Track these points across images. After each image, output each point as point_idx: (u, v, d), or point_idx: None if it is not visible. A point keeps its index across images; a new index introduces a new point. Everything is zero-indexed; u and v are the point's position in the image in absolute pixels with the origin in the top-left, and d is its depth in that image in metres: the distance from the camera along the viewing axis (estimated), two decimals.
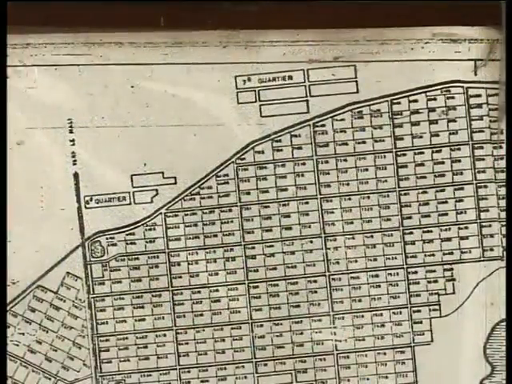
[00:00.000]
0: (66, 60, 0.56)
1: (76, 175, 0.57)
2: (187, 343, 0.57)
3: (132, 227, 0.57)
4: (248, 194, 0.57)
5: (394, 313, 0.57)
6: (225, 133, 0.56)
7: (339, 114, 0.57)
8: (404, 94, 0.57)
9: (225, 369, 0.57)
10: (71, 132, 0.56)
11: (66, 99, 0.56)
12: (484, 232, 0.57)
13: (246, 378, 0.57)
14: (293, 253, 0.57)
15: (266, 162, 0.57)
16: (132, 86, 0.56)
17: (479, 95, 0.57)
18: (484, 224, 0.57)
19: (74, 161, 0.57)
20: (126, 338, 0.57)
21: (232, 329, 0.57)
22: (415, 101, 0.57)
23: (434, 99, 0.57)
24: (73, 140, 0.57)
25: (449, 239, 0.57)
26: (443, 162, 0.57)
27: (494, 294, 0.57)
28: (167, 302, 0.57)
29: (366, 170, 0.57)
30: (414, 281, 0.57)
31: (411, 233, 0.57)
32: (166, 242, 0.57)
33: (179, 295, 0.57)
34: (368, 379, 0.57)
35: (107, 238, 0.57)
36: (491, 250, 0.57)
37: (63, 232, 0.57)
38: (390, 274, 0.57)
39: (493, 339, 0.57)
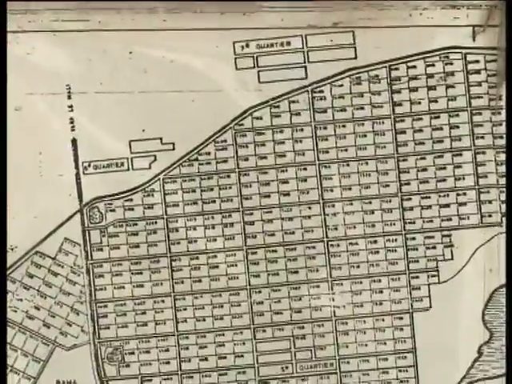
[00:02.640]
0: (64, 26, 0.56)
1: (74, 141, 0.57)
2: (185, 309, 0.57)
3: (130, 193, 0.57)
4: (246, 159, 0.57)
5: (392, 279, 0.57)
6: (223, 99, 0.56)
7: (337, 79, 0.57)
8: (402, 60, 0.57)
9: (223, 335, 0.57)
10: (69, 98, 0.56)
11: (65, 65, 0.56)
12: (482, 198, 0.57)
13: (244, 344, 0.57)
14: (291, 219, 0.57)
15: (264, 127, 0.57)
16: (130, 52, 0.56)
17: (477, 61, 0.57)
18: (482, 190, 0.57)
19: (73, 127, 0.57)
20: (124, 304, 0.57)
21: (230, 295, 0.57)
22: (414, 67, 0.57)
23: (433, 65, 0.57)
24: (71, 106, 0.57)
25: (447, 205, 0.57)
26: (441, 128, 0.57)
27: (493, 260, 0.56)
28: (165, 268, 0.57)
29: (365, 135, 0.57)
30: (412, 247, 0.57)
31: (409, 199, 0.57)
32: (164, 207, 0.57)
33: (177, 261, 0.57)
34: (366, 345, 0.57)
35: (105, 204, 0.57)
36: (489, 216, 0.57)
37: (61, 198, 0.57)
38: (389, 240, 0.57)
39: (491, 305, 0.57)
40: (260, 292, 0.57)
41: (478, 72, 0.57)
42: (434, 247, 0.57)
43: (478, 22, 0.56)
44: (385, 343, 0.57)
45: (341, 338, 0.57)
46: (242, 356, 0.57)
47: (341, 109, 0.57)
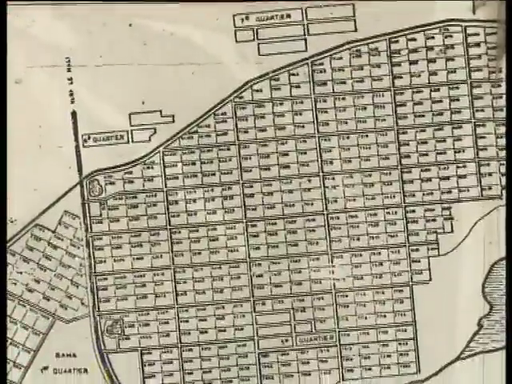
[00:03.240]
0: None
1: (74, 114, 0.57)
2: (185, 282, 0.57)
3: (130, 166, 0.57)
4: (246, 132, 0.57)
5: (392, 251, 0.57)
6: (223, 71, 0.56)
7: (337, 52, 0.57)
8: (402, 33, 0.57)
9: (223, 308, 0.57)
10: (69, 70, 0.56)
11: (64, 38, 0.56)
12: (482, 171, 0.57)
13: (244, 316, 0.57)
14: (291, 191, 0.57)
15: (264, 100, 0.57)
16: (130, 25, 0.56)
17: (477, 34, 0.57)
18: (482, 163, 0.57)
19: (72, 99, 0.57)
20: (124, 277, 0.57)
21: (230, 267, 0.57)
22: (413, 39, 0.57)
23: (433, 38, 0.57)
24: (71, 78, 0.56)
25: (447, 178, 0.57)
26: (441, 101, 0.57)
27: (493, 232, 0.56)
28: (165, 241, 0.57)
29: (364, 108, 0.57)
30: (412, 219, 0.57)
31: (409, 171, 0.57)
32: (164, 180, 0.57)
33: (177, 234, 0.57)
34: (366, 318, 0.57)
35: (105, 177, 0.57)
36: (489, 188, 0.57)
37: (61, 170, 0.57)
38: (389, 212, 0.57)
39: (491, 278, 0.57)
40: (260, 265, 0.57)
41: (477, 45, 0.57)
42: (434, 220, 0.57)
43: None
44: (385, 316, 0.57)
45: (341, 310, 0.57)
46: (242, 329, 0.57)
47: (341, 81, 0.57)
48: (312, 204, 0.57)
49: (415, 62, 0.57)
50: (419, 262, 0.57)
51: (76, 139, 0.57)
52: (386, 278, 0.57)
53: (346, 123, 0.57)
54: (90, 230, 0.57)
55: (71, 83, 0.56)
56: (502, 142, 0.56)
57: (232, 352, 0.57)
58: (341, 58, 0.57)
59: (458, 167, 0.57)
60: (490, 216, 0.57)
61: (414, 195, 0.57)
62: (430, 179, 0.57)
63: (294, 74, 0.57)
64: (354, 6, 0.56)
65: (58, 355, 0.57)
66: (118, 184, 0.57)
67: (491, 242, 0.56)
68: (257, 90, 0.57)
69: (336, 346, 0.57)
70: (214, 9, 0.56)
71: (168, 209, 0.57)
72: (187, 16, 0.56)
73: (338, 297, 0.57)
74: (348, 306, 0.57)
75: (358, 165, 0.57)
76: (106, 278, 0.57)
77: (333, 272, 0.57)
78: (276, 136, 0.57)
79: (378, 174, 0.57)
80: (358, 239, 0.57)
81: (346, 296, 0.57)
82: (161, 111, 0.56)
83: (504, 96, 0.56)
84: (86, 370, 0.57)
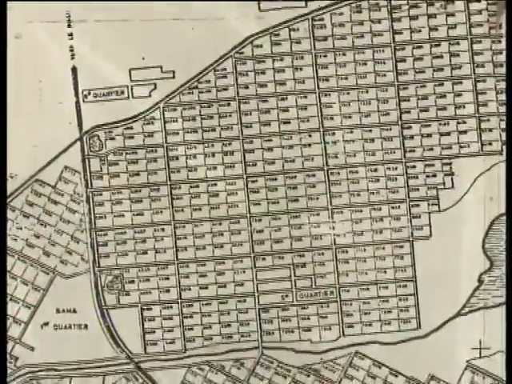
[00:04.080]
0: None
1: (74, 69, 0.57)
2: (185, 237, 0.57)
3: (130, 121, 0.57)
4: (246, 88, 0.57)
5: (392, 207, 0.57)
6: (223, 27, 0.56)
7: (338, 7, 0.56)
8: None
9: (223, 263, 0.57)
10: (69, 26, 0.56)
11: None
12: (483, 126, 0.57)
13: (244, 272, 0.57)
14: (291, 147, 0.57)
15: (264, 56, 0.57)
16: None
17: None
18: (483, 118, 0.57)
19: (72, 55, 0.56)
20: (124, 233, 0.57)
21: (230, 223, 0.57)
22: None
23: None
24: (71, 34, 0.56)
25: (447, 133, 0.57)
26: (442, 57, 0.57)
27: (493, 188, 0.56)
28: (165, 197, 0.57)
29: (365, 64, 0.57)
30: (412, 175, 0.57)
31: (410, 127, 0.57)
32: (164, 136, 0.57)
33: (177, 189, 0.57)
34: (366, 274, 0.57)
35: (105, 132, 0.57)
36: (490, 144, 0.57)
37: (61, 126, 0.57)
38: (389, 168, 0.57)
39: (492, 234, 0.56)
40: (260, 220, 0.57)
41: (478, 0, 0.56)
42: (435, 175, 0.57)
43: None
44: (385, 271, 0.57)
45: (341, 266, 0.57)
46: (242, 284, 0.57)
47: (341, 37, 0.57)
48: (312, 159, 0.57)
49: (416, 18, 0.57)
50: (419, 217, 0.57)
51: (76, 95, 0.57)
52: (387, 234, 0.57)
53: (347, 79, 0.57)
54: (90, 185, 0.57)
55: (71, 39, 0.56)
56: (502, 97, 0.56)
57: (232, 307, 0.57)
58: (341, 14, 0.56)
59: (458, 123, 0.57)
60: (490, 172, 0.57)
61: (414, 151, 0.57)
62: (430, 135, 0.57)
63: (294, 30, 0.57)
64: None
65: (58, 311, 0.57)
66: (118, 139, 0.57)
67: (491, 197, 0.56)
68: (257, 46, 0.57)
69: (336, 301, 0.57)
70: None
71: (168, 164, 0.57)
72: None
73: (339, 252, 0.57)
74: (348, 262, 0.57)
75: (358, 120, 0.57)
76: (106, 234, 0.57)
77: (333, 228, 0.57)
78: (276, 91, 0.57)
79: (379, 130, 0.57)
80: (359, 195, 0.57)
81: (347, 252, 0.57)
82: (161, 67, 0.56)
83: (504, 51, 0.56)
84: (86, 326, 0.57)
